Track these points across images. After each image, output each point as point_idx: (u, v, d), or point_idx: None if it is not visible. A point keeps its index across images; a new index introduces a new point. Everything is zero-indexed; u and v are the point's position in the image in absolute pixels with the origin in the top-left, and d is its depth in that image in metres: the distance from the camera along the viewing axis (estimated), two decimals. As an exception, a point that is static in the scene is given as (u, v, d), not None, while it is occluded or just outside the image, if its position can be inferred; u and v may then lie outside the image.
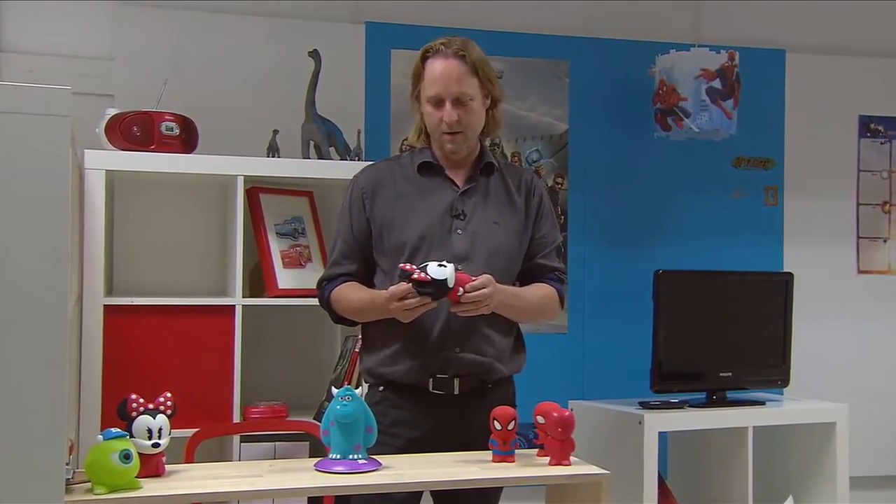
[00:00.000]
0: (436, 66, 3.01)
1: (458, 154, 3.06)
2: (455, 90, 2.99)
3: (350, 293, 3.03)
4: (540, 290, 3.07)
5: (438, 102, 3.00)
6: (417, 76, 3.06)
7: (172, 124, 3.71)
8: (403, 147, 3.21)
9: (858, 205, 5.14)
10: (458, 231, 2.99)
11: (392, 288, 2.82)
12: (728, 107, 4.39)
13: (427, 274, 2.72)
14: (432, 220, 2.99)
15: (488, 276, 2.84)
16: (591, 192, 4.74)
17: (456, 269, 2.78)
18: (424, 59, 3.04)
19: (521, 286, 3.09)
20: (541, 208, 3.14)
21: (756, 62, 4.77)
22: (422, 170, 3.08)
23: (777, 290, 4.45)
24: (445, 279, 2.72)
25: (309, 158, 3.96)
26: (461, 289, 2.75)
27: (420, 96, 3.07)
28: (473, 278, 2.79)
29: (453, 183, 3.07)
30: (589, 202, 4.73)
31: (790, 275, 4.49)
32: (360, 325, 3.15)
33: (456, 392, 2.95)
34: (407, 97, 3.17)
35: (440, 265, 2.73)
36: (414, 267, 2.75)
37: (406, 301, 2.78)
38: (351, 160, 3.94)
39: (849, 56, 5.08)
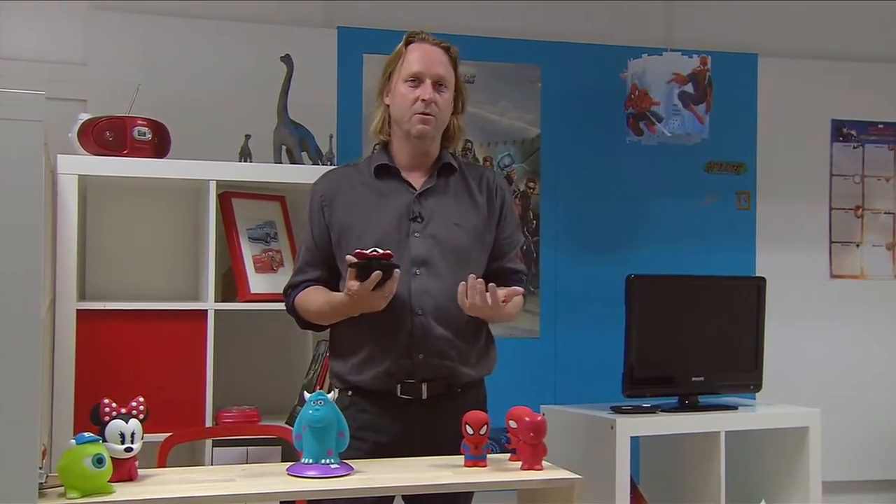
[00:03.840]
0: (421, 48, 3.07)
1: (426, 141, 3.07)
2: (436, 72, 3.04)
3: (311, 296, 3.06)
4: (513, 300, 3.07)
5: (417, 81, 3.03)
6: (396, 57, 3.09)
7: (145, 129, 3.73)
8: (375, 150, 3.23)
9: (831, 209, 5.18)
10: (416, 234, 3.01)
11: (348, 283, 2.85)
12: (700, 111, 4.42)
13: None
14: (388, 224, 3.01)
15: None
16: (564, 197, 4.76)
17: (415, 274, 2.88)
18: (409, 42, 3.09)
19: None
20: (504, 208, 3.15)
21: (728, 66, 4.81)
22: (379, 173, 3.10)
23: (749, 294, 4.48)
24: (373, 257, 2.77)
25: (281, 163, 3.97)
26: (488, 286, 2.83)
27: (393, 79, 3.09)
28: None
29: (410, 185, 3.08)
30: (561, 206, 4.76)
31: (762, 279, 4.52)
32: (328, 333, 3.17)
33: (424, 396, 2.97)
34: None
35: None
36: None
37: (349, 283, 2.81)
38: (323, 164, 3.95)
39: (821, 60, 5.13)
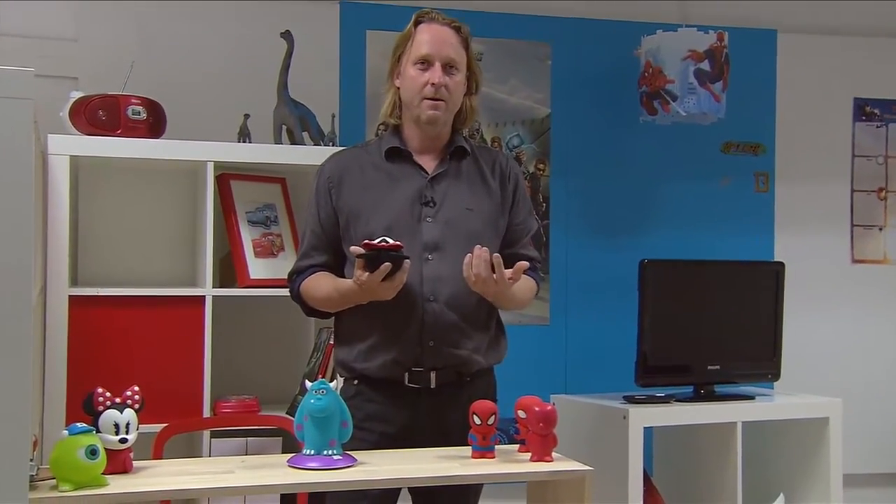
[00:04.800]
0: (430, 29, 3.06)
1: (436, 126, 3.07)
2: (447, 54, 3.03)
3: (318, 282, 3.05)
4: (524, 284, 3.07)
5: (427, 64, 3.02)
6: (405, 39, 3.08)
7: (139, 108, 3.72)
8: (379, 132, 3.23)
9: (853, 191, 5.16)
10: (429, 219, 3.01)
11: (356, 273, 2.84)
12: (717, 89, 4.40)
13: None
14: (400, 209, 3.01)
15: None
16: (574, 179, 4.75)
17: (427, 259, 2.89)
18: (418, 22, 3.08)
19: None
20: (517, 193, 3.16)
21: (746, 43, 4.78)
22: (390, 156, 3.09)
23: (768, 280, 4.47)
24: (382, 248, 2.77)
25: (281, 144, 3.97)
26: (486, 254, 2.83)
27: (403, 61, 3.08)
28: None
29: (422, 169, 3.08)
30: (572, 189, 4.75)
31: (781, 264, 4.51)
32: (332, 319, 3.17)
33: (433, 386, 2.97)
34: (384, 79, 3.19)
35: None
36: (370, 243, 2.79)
37: (357, 273, 2.81)
38: (325, 145, 3.95)
39: (843, 35, 5.10)
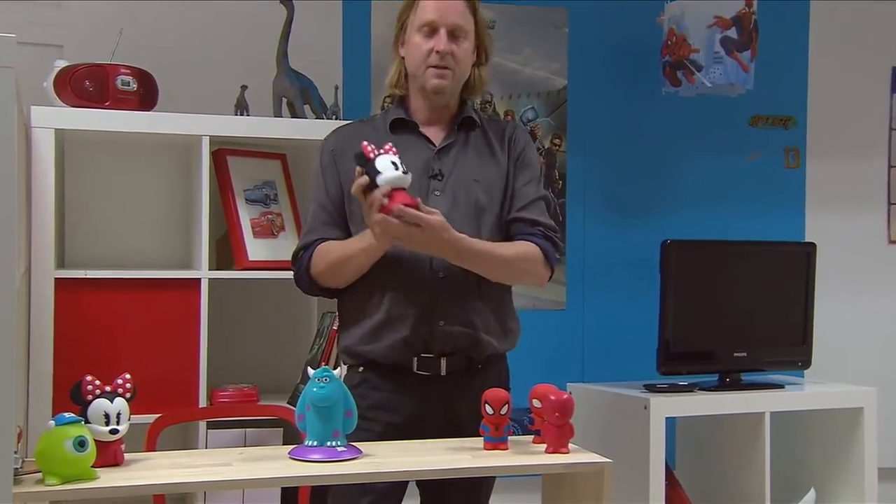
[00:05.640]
0: None
1: (443, 96, 3.06)
2: (453, 20, 3.02)
3: (330, 247, 3.01)
4: (514, 247, 3.03)
5: (432, 30, 3.01)
6: (410, 4, 3.07)
7: (129, 78, 3.70)
8: (385, 104, 3.22)
9: (890, 167, 5.16)
10: (437, 193, 3.00)
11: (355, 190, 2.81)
12: (745, 59, 4.38)
13: (374, 156, 2.75)
14: None
15: (440, 218, 2.82)
16: (593, 155, 4.75)
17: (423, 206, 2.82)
18: None
19: None
20: (521, 157, 3.13)
21: (776, 9, 4.76)
22: (395, 128, 3.09)
23: (798, 261, 4.47)
24: (379, 172, 2.73)
25: (281, 117, 3.96)
26: (398, 205, 2.74)
27: (407, 28, 3.07)
28: (417, 201, 2.77)
29: (429, 141, 3.08)
30: (590, 165, 4.74)
31: (813, 245, 4.51)
32: (335, 304, 3.16)
33: (443, 373, 2.97)
34: (389, 49, 3.18)
35: (396, 165, 2.75)
36: (374, 148, 2.76)
37: (361, 189, 2.77)
38: (328, 119, 3.94)
39: (880, 1, 5.08)
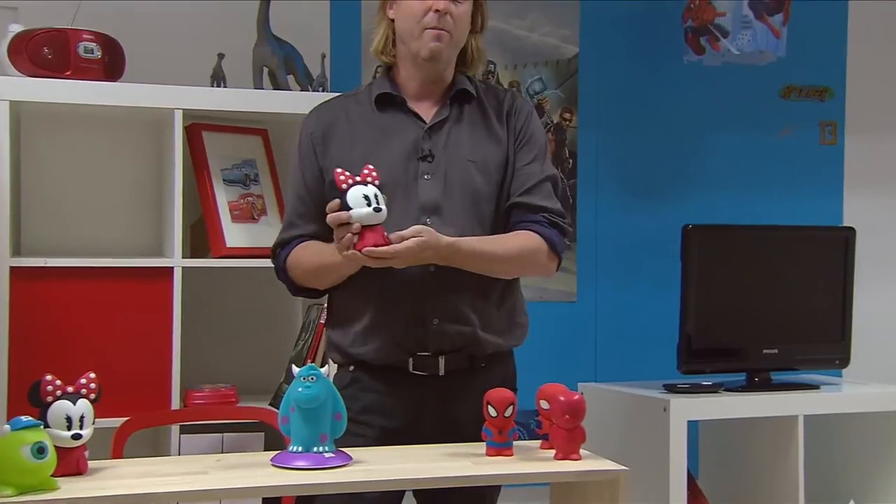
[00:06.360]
0: None
1: (438, 64, 3.03)
2: None
3: (306, 252, 3.04)
4: (514, 239, 3.02)
5: None
6: None
7: (93, 45, 3.70)
8: (377, 75, 3.21)
9: (936, 144, 5.16)
10: (426, 176, 2.99)
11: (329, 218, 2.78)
12: (776, 23, 4.38)
13: (347, 187, 2.72)
14: (393, 166, 2.97)
15: (417, 229, 2.79)
16: (606, 131, 4.75)
17: (425, 224, 2.82)
18: None
19: None
20: (524, 131, 3.11)
21: (811, -32, 4.78)
22: (381, 104, 3.07)
23: (835, 248, 4.46)
24: (352, 214, 2.70)
25: (262, 89, 3.96)
26: (367, 248, 2.73)
27: None
28: (389, 240, 2.74)
29: (419, 118, 3.06)
30: (603, 142, 4.74)
31: (851, 230, 4.51)
32: (325, 296, 3.17)
33: (441, 373, 2.97)
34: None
35: (368, 200, 2.70)
36: (349, 176, 2.73)
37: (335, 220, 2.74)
38: (314, 91, 3.95)
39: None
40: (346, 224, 2.71)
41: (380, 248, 2.72)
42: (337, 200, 2.71)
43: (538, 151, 3.12)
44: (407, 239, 2.75)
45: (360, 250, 2.71)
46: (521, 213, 3.04)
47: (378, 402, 2.98)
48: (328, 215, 2.74)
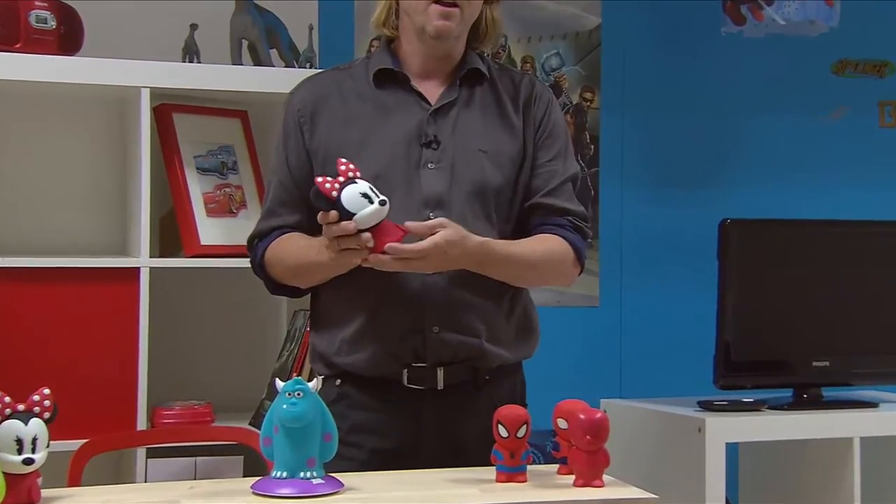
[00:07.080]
0: None
1: (446, 42, 3.03)
2: None
3: (287, 245, 3.03)
4: (542, 244, 3.03)
5: None
6: None
7: (46, 14, 3.71)
8: (372, 49, 3.21)
9: None
10: (430, 165, 2.99)
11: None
12: (827, -11, 4.40)
13: (337, 192, 2.68)
14: (393, 151, 2.98)
15: (438, 221, 2.80)
16: (633, 113, 4.76)
17: (427, 219, 2.80)
18: None
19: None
20: (546, 123, 3.12)
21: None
22: (380, 81, 3.07)
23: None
24: (352, 213, 2.68)
25: (241, 64, 3.97)
26: (389, 244, 2.72)
27: None
28: (404, 229, 2.74)
29: (423, 99, 3.05)
30: (629, 126, 4.75)
31: (915, 225, 4.52)
32: (308, 298, 3.16)
33: (440, 387, 2.97)
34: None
35: (368, 196, 2.69)
36: (333, 180, 2.70)
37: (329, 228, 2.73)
38: (300, 67, 3.96)
39: None
40: (354, 235, 2.69)
41: (407, 247, 2.72)
42: (334, 212, 2.69)
43: (561, 147, 3.13)
44: (426, 233, 2.76)
45: (380, 253, 2.71)
46: (544, 216, 3.05)
47: (369, 421, 2.98)
48: (336, 236, 2.71)
